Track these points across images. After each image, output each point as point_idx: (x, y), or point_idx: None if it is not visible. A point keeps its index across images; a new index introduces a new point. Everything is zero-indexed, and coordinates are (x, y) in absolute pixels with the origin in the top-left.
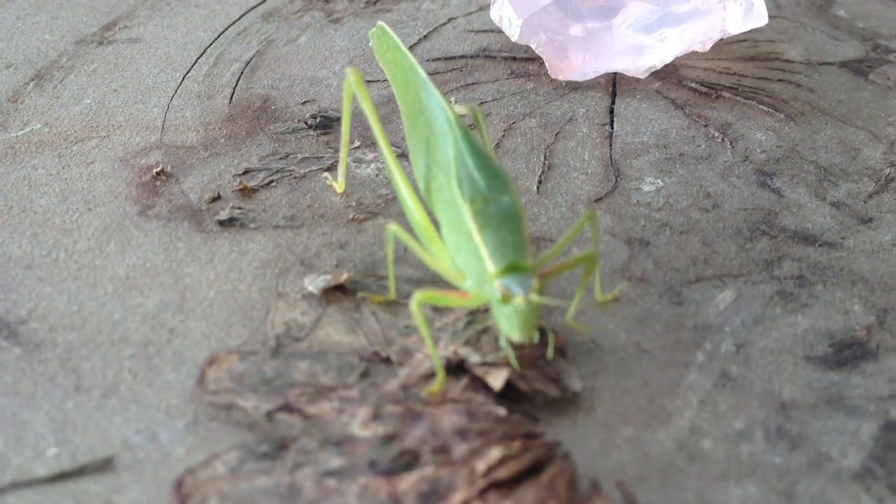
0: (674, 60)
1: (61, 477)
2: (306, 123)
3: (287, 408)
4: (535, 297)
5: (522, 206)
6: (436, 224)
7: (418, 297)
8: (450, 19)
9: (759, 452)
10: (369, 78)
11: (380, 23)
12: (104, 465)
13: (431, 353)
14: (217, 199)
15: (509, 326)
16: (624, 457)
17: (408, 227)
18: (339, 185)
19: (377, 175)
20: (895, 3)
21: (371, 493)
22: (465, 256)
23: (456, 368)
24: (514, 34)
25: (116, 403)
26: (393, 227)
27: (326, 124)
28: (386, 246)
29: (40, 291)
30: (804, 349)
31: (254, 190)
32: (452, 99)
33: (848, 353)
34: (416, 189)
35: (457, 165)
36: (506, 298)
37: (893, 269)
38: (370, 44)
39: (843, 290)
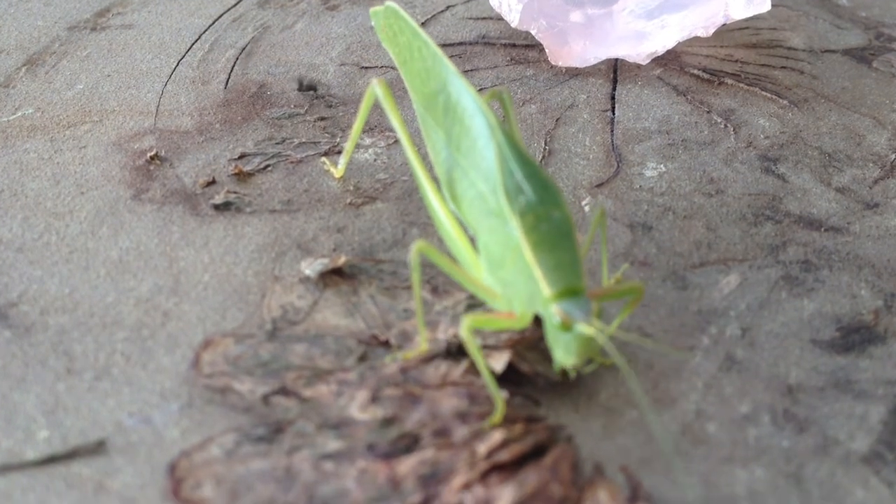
0: (675, 47)
1: (52, 460)
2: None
3: (283, 391)
4: (598, 324)
5: (573, 221)
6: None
7: (468, 323)
8: (448, 6)
9: (766, 436)
10: (367, 64)
11: (389, 3)
12: (96, 448)
13: (488, 382)
14: (212, 183)
15: (566, 353)
16: (628, 440)
17: (405, 212)
18: (338, 171)
19: (375, 160)
20: None
21: (370, 477)
22: (510, 273)
23: (456, 352)
24: (513, 20)
25: (109, 386)
26: (420, 245)
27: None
28: (412, 273)
29: (31, 274)
30: (811, 333)
31: (249, 174)
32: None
33: (855, 337)
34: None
35: (503, 174)
36: (566, 325)
37: None
38: (371, 23)
39: (849, 274)
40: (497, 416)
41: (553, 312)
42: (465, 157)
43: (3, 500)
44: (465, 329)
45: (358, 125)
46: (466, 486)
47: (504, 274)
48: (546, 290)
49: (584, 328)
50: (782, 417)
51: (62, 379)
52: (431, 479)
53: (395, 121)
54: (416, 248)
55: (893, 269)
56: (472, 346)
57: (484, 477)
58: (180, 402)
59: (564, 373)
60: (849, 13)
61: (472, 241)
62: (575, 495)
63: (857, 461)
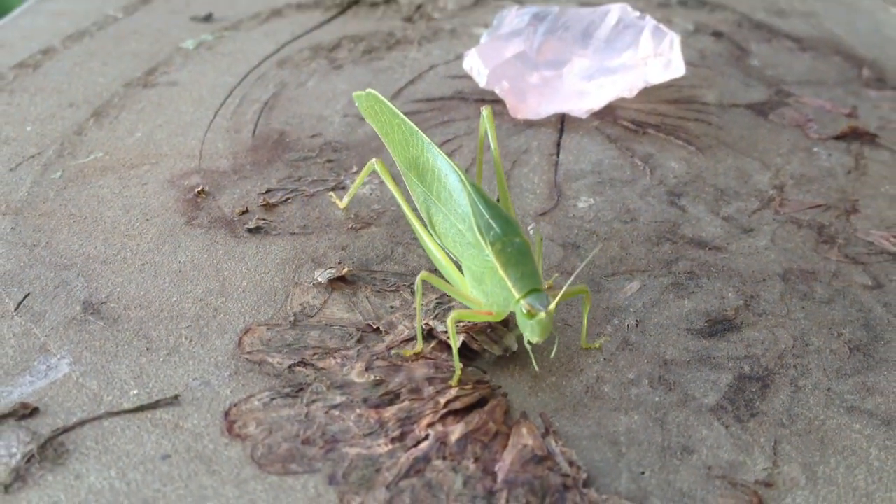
0: (612, 102)
1: (141, 408)
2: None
3: (303, 363)
4: (552, 310)
5: (530, 243)
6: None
7: (453, 316)
8: (432, 66)
9: (644, 394)
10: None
11: (370, 90)
12: (173, 401)
13: (454, 354)
14: (246, 212)
15: (532, 333)
16: (547, 397)
17: (392, 234)
18: (342, 203)
19: (371, 194)
20: (802, 53)
21: (364, 419)
22: (489, 286)
23: (427, 335)
24: (482, 81)
25: (178, 360)
26: (423, 275)
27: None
28: (416, 294)
29: (115, 280)
30: (686, 324)
31: (274, 205)
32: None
33: (718, 326)
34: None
35: (475, 216)
36: (531, 314)
37: (763, 266)
38: (356, 104)
39: (721, 281)
40: (455, 378)
41: (522, 306)
42: (444, 205)
43: (109, 435)
44: (450, 320)
45: (358, 182)
46: (430, 425)
47: (484, 287)
48: (516, 293)
49: (542, 314)
50: (657, 381)
51: (144, 355)
52: (407, 420)
53: (392, 188)
54: (421, 277)
55: (756, 278)
56: (452, 330)
57: (443, 418)
58: (230, 371)
59: (505, 349)
60: (757, 72)
61: (457, 264)
62: (505, 430)
63: (706, 411)
